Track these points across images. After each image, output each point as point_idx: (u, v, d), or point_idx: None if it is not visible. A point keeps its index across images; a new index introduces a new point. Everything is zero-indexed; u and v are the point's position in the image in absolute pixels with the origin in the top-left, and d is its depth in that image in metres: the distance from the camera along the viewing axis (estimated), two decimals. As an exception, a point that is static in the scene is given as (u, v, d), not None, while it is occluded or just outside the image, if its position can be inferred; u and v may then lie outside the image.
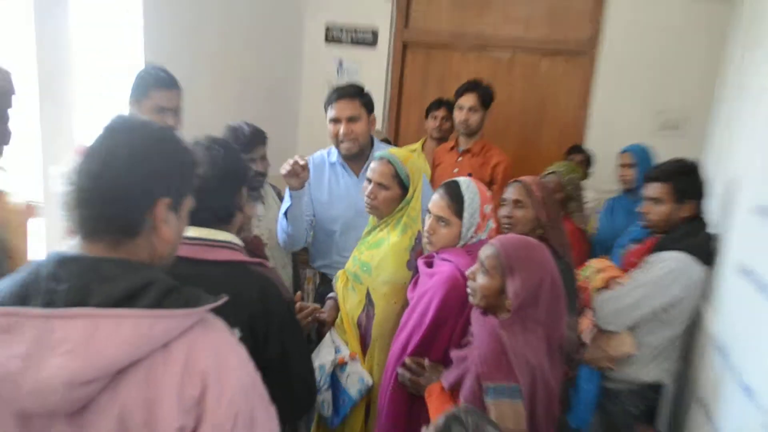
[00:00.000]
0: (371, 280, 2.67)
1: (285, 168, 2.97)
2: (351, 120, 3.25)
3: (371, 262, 2.68)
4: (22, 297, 1.24)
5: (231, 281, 1.70)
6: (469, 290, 2.25)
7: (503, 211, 2.90)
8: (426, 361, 2.41)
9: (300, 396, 2.15)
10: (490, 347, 2.09)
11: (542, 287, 2.14)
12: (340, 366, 2.62)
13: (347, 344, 2.70)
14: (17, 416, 1.24)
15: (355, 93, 3.29)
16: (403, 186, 2.73)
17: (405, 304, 2.60)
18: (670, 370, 2.96)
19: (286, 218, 3.15)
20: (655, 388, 2.98)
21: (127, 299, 1.23)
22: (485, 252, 2.21)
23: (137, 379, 1.23)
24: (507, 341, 2.07)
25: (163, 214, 1.36)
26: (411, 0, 5.75)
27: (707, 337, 2.69)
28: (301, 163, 2.96)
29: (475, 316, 2.25)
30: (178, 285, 1.31)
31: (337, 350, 2.66)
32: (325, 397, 2.61)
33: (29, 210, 2.71)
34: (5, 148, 2.41)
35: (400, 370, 2.43)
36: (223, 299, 1.33)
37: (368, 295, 2.67)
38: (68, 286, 1.23)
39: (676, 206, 2.93)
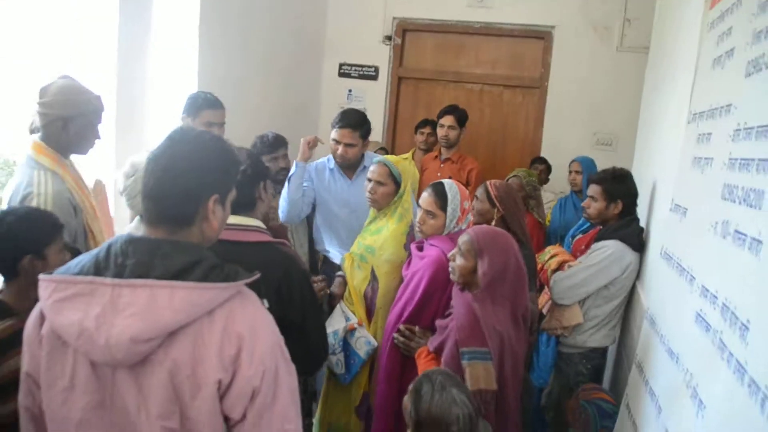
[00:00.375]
0: (375, 259, 2.56)
1: (309, 137, 3.08)
2: (348, 145, 3.12)
3: (374, 245, 2.58)
4: (98, 268, 1.19)
5: (261, 258, 1.57)
6: (450, 269, 2.15)
7: (474, 205, 2.83)
8: (417, 328, 2.30)
9: (316, 352, 2.05)
10: (465, 317, 1.99)
11: (507, 268, 2.04)
12: (350, 332, 2.49)
13: (354, 314, 2.55)
14: (91, 364, 1.20)
15: (356, 125, 3.13)
16: (396, 182, 2.64)
17: (402, 279, 2.49)
18: (612, 336, 2.83)
19: (288, 184, 3.05)
20: (600, 352, 2.87)
21: (181, 273, 1.19)
22: (462, 238, 2.13)
23: (186, 339, 1.18)
24: (479, 312, 1.98)
25: (213, 207, 1.31)
26: (404, 45, 5.70)
27: (640, 310, 2.56)
28: (319, 143, 3.13)
29: (455, 291, 2.15)
30: (220, 262, 1.25)
31: (347, 319, 2.53)
32: (339, 357, 2.48)
33: (98, 189, 2.59)
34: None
35: (395, 334, 2.31)
36: (256, 275, 1.27)
37: (372, 272, 2.56)
38: (135, 261, 1.19)
39: (608, 204, 2.82)
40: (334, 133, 3.14)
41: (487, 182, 2.85)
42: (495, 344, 1.95)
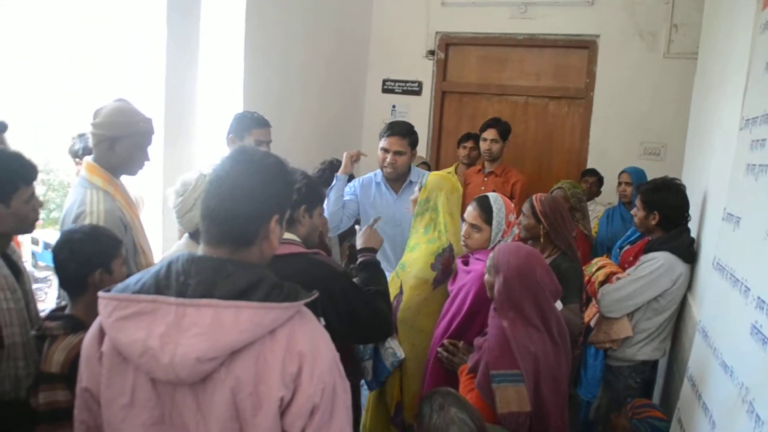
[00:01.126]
0: (405, 274, 2.53)
1: (352, 151, 3.10)
2: (397, 153, 3.14)
3: (406, 261, 2.55)
4: (159, 287, 1.19)
5: (298, 269, 1.54)
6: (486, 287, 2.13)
7: (520, 220, 2.78)
8: (461, 344, 2.27)
9: (379, 327, 2.12)
10: (495, 339, 1.96)
11: (526, 286, 1.99)
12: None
13: None
14: (151, 381, 1.20)
15: (405, 133, 3.16)
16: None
17: (427, 296, 2.47)
18: (662, 349, 2.74)
19: (328, 196, 3.07)
20: (650, 365, 2.79)
21: (245, 293, 1.19)
22: (490, 255, 2.10)
23: (249, 358, 1.18)
24: (509, 334, 1.94)
25: (274, 227, 1.31)
26: (448, 59, 5.70)
27: (692, 322, 2.47)
28: (362, 156, 3.15)
29: (490, 312, 2.10)
30: (280, 281, 1.25)
31: None
32: (366, 365, 2.44)
33: (139, 204, 2.66)
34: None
35: (439, 349, 2.29)
36: (315, 294, 1.27)
37: (401, 286, 2.53)
38: (198, 280, 1.19)
39: (647, 214, 2.78)
40: (383, 143, 3.14)
41: (533, 197, 2.78)
42: (528, 366, 1.91)
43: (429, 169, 4.50)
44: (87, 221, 2.14)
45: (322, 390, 1.21)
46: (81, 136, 3.15)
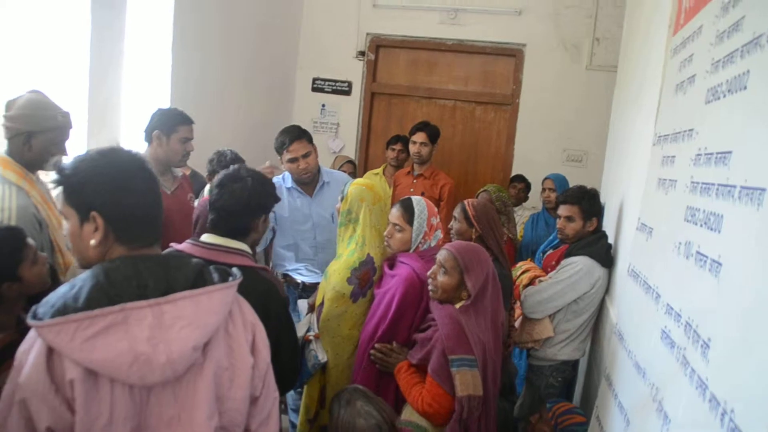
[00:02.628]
0: (326, 284, 2.52)
1: (264, 167, 2.89)
2: (305, 156, 3.10)
3: (329, 271, 2.54)
4: (110, 297, 1.18)
5: (243, 282, 1.55)
6: (430, 287, 2.21)
7: (452, 225, 2.87)
8: (394, 344, 2.33)
9: (287, 375, 2.06)
10: (451, 327, 2.06)
11: (487, 279, 2.15)
12: (306, 342, 2.47)
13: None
14: (128, 391, 1.20)
15: (302, 133, 3.11)
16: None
17: (347, 309, 2.46)
18: (582, 349, 2.91)
19: None
20: (571, 364, 2.94)
21: (197, 280, 1.28)
22: (443, 256, 2.19)
23: (219, 337, 1.29)
24: (464, 323, 2.06)
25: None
26: (378, 61, 5.78)
27: (609, 324, 2.63)
28: (275, 169, 3.00)
29: (434, 305, 2.20)
30: (226, 267, 1.38)
31: (309, 329, 2.51)
32: None
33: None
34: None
35: (372, 351, 2.33)
36: (240, 277, 1.37)
37: (324, 296, 2.53)
38: (154, 279, 1.24)
39: (584, 222, 2.92)
40: (287, 155, 3.09)
41: (465, 201, 2.85)
42: (479, 352, 2.03)
43: (354, 168, 4.53)
44: None
45: (269, 352, 1.40)
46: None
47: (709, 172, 1.43)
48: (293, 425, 2.87)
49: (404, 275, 2.34)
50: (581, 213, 2.90)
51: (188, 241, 1.99)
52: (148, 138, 2.86)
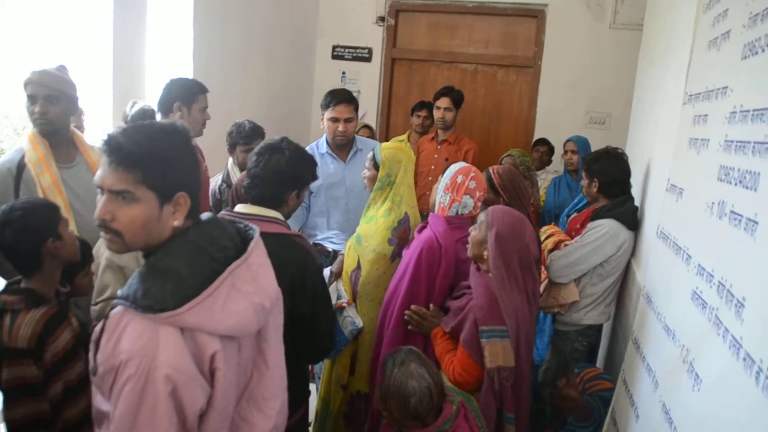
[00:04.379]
0: (361, 248, 2.54)
1: None
2: (347, 120, 3.16)
3: (363, 234, 2.56)
4: (212, 267, 1.24)
5: (278, 249, 1.59)
6: (468, 245, 2.21)
7: None
8: (431, 307, 2.32)
9: (322, 343, 2.11)
10: (484, 297, 2.06)
11: (512, 246, 2.08)
12: (339, 310, 2.49)
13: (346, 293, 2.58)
14: (237, 345, 1.29)
15: (351, 99, 3.18)
16: (376, 166, 2.58)
17: (386, 270, 2.50)
18: (607, 313, 2.90)
19: None
20: (596, 329, 2.93)
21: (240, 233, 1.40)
22: (480, 215, 2.20)
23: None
24: (497, 292, 2.04)
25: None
26: (397, 26, 5.70)
27: (636, 288, 2.61)
28: None
29: (472, 272, 2.19)
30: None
31: (339, 297, 2.53)
32: None
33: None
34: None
35: (408, 312, 2.31)
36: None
37: (358, 260, 2.55)
38: (232, 242, 1.33)
39: (589, 182, 2.92)
40: (330, 113, 3.13)
41: (490, 169, 2.77)
42: (512, 323, 2.03)
43: (371, 133, 4.51)
44: None
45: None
46: (135, 103, 3.09)
47: (745, 130, 1.39)
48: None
49: (423, 238, 2.34)
50: (585, 173, 2.93)
51: (223, 212, 2.03)
52: (167, 109, 2.87)
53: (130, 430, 1.13)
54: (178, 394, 1.15)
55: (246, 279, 1.27)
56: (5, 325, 1.72)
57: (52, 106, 2.33)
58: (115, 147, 1.20)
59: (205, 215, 1.35)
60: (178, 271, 1.19)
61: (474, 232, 2.16)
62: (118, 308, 1.19)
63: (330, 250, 3.22)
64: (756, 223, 1.23)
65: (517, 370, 2.05)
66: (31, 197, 2.01)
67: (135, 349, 1.14)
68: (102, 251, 2.19)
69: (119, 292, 1.23)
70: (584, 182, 2.95)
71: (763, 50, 1.36)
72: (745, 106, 1.42)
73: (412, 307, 2.31)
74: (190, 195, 1.27)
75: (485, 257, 2.11)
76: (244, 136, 3.20)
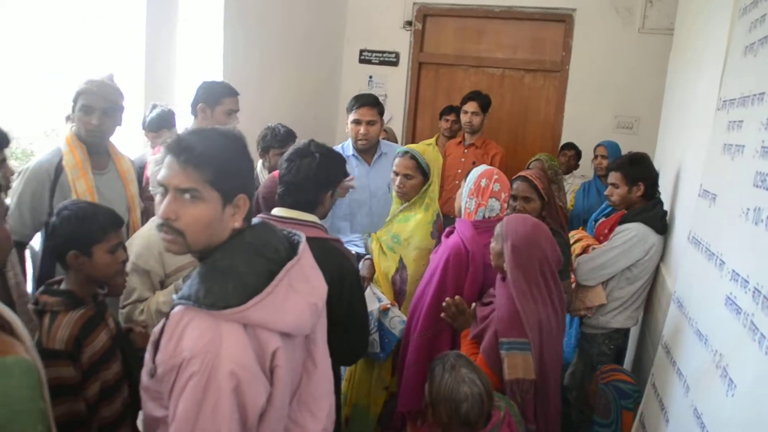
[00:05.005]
0: (402, 248, 2.58)
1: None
2: (369, 123, 3.16)
3: (401, 234, 2.59)
4: (269, 268, 1.27)
5: (316, 253, 1.59)
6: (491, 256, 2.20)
7: (515, 204, 2.69)
8: (473, 306, 2.30)
9: (356, 346, 2.14)
10: (506, 308, 2.04)
11: (533, 255, 2.06)
12: (383, 312, 2.53)
13: (385, 295, 2.60)
14: (293, 343, 1.32)
15: (374, 102, 3.19)
16: (424, 174, 2.63)
17: (427, 264, 2.53)
18: (635, 317, 2.88)
19: None
20: (623, 332, 2.93)
21: (293, 241, 1.44)
22: (497, 226, 2.17)
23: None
24: (519, 304, 2.02)
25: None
26: (425, 30, 5.71)
27: (665, 293, 2.59)
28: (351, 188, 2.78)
29: (498, 283, 2.18)
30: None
31: (379, 300, 2.56)
32: (374, 337, 2.51)
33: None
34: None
35: (448, 300, 2.27)
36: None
37: (401, 260, 2.58)
38: (285, 244, 1.37)
39: (630, 188, 2.84)
40: (354, 115, 3.15)
41: (529, 176, 2.70)
42: (535, 335, 2.00)
43: (388, 136, 4.48)
44: (23, 168, 2.35)
45: None
46: (154, 107, 3.17)
47: (782, 136, 1.39)
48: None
49: (451, 243, 2.36)
50: (624, 178, 2.84)
51: (260, 216, 2.02)
52: (195, 111, 2.92)
53: (193, 428, 1.14)
54: (241, 390, 1.16)
55: (300, 278, 1.31)
56: (44, 325, 1.75)
57: (107, 119, 2.38)
58: (185, 147, 1.24)
59: (255, 219, 1.39)
60: (239, 270, 1.22)
61: (493, 243, 2.16)
62: (178, 308, 1.21)
63: (354, 253, 3.24)
64: (794, 229, 1.23)
65: (544, 382, 2.03)
66: (99, 205, 1.96)
67: (198, 347, 1.15)
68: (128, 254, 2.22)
69: (175, 295, 1.25)
70: (619, 190, 2.85)
71: (802, 56, 1.36)
72: (783, 112, 1.42)
73: (457, 297, 2.27)
74: (249, 198, 1.32)
75: (504, 267, 2.11)
76: (279, 140, 3.23)
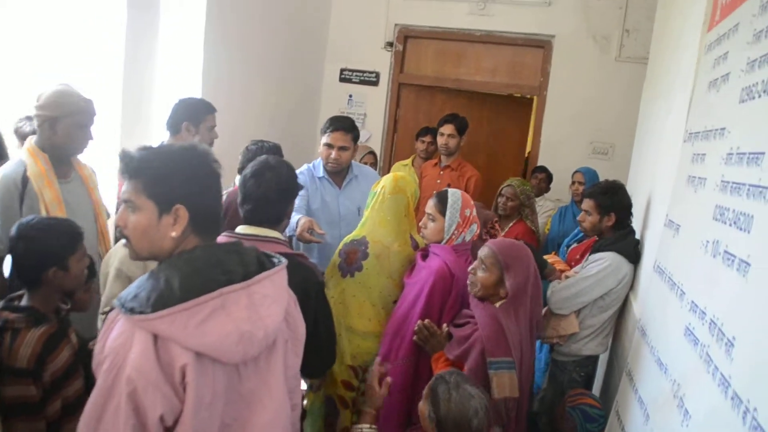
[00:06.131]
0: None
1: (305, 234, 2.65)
2: (342, 149, 3.12)
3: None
4: (204, 284, 1.25)
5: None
6: (469, 283, 2.25)
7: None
8: (444, 327, 2.31)
9: (326, 357, 2.20)
10: (492, 328, 2.09)
11: (528, 279, 2.17)
12: None
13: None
14: (223, 369, 1.28)
15: (349, 128, 3.14)
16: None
17: (332, 276, 2.59)
18: (605, 344, 2.91)
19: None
20: (593, 360, 2.94)
21: (268, 263, 1.42)
22: (484, 252, 2.22)
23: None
24: (504, 324, 2.09)
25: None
26: (405, 51, 5.78)
27: (632, 320, 2.62)
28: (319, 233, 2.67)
29: (474, 303, 2.22)
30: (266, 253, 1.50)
31: None
32: None
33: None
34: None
35: (419, 324, 2.30)
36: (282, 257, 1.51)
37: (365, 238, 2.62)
38: (245, 265, 1.34)
39: (601, 217, 2.89)
40: (326, 138, 3.12)
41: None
42: (517, 354, 2.07)
43: (375, 159, 4.53)
44: None
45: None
46: (29, 118, 3.11)
47: (740, 172, 1.43)
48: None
49: (435, 267, 2.36)
50: (597, 207, 2.88)
51: (224, 233, 2.01)
52: (175, 129, 2.93)
53: (97, 423, 1.17)
54: (136, 397, 1.16)
55: (241, 305, 1.27)
56: (6, 343, 1.73)
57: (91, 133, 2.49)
58: (122, 158, 1.31)
59: (222, 237, 1.40)
60: (170, 282, 1.22)
61: (483, 273, 2.17)
62: (114, 308, 1.25)
63: (323, 272, 3.23)
64: (748, 264, 1.26)
65: (521, 400, 2.09)
66: (59, 218, 2.02)
67: (113, 347, 1.19)
68: (112, 261, 2.23)
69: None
70: (591, 218, 2.90)
71: (759, 96, 1.40)
72: (742, 148, 1.46)
73: (426, 321, 2.29)
74: (192, 210, 1.31)
75: (502, 295, 2.15)
76: (267, 152, 3.11)
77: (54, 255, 1.83)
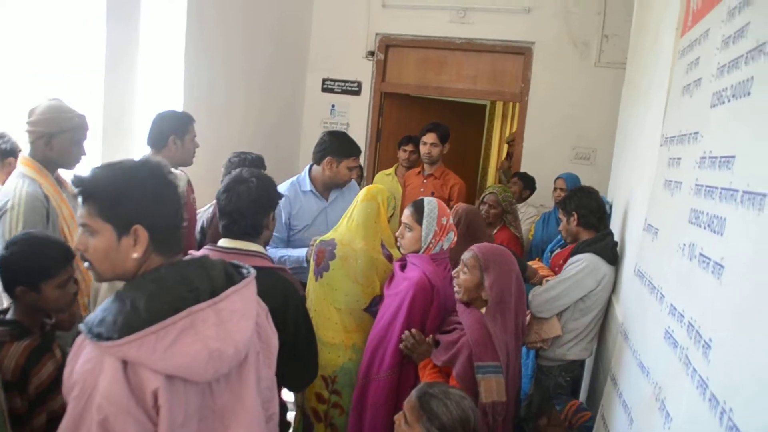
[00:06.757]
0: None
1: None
2: (357, 168, 3.27)
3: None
4: (175, 304, 1.23)
5: (261, 283, 1.59)
6: (455, 288, 2.27)
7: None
8: (431, 337, 2.33)
9: (308, 371, 2.20)
10: (479, 333, 2.11)
11: (511, 282, 2.18)
12: None
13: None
14: (194, 389, 1.27)
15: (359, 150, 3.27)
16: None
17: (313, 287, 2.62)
18: (590, 349, 2.93)
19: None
20: (579, 364, 2.96)
21: (237, 275, 1.41)
22: (466, 255, 2.25)
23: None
24: (491, 328, 2.11)
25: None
26: (387, 60, 5.81)
27: (615, 324, 2.64)
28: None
29: (461, 309, 2.24)
30: (235, 263, 1.48)
31: None
32: None
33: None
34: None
35: (405, 334, 2.31)
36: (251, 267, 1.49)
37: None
38: (211, 281, 1.32)
39: (567, 219, 3.01)
40: (351, 162, 3.13)
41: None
42: (504, 358, 2.08)
43: (360, 170, 4.54)
44: (9, 205, 2.24)
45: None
46: (2, 136, 3.10)
47: (713, 176, 1.45)
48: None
49: (415, 279, 2.35)
50: (563, 212, 3.02)
51: (206, 247, 2.05)
52: (161, 144, 2.91)
53: None
54: (108, 425, 1.15)
55: (210, 323, 1.25)
56: None
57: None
58: (76, 182, 1.29)
59: (202, 251, 1.39)
60: (136, 305, 1.20)
61: (465, 276, 2.19)
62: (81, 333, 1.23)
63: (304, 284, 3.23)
64: (722, 267, 1.28)
65: (508, 405, 2.10)
66: (54, 240, 2.00)
67: (81, 373, 1.18)
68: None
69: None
70: (563, 224, 3.03)
71: (729, 100, 1.43)
72: (714, 152, 1.48)
73: (413, 330, 2.30)
74: (151, 229, 1.28)
75: (484, 298, 2.17)
76: (249, 164, 3.19)
77: (25, 276, 1.82)
